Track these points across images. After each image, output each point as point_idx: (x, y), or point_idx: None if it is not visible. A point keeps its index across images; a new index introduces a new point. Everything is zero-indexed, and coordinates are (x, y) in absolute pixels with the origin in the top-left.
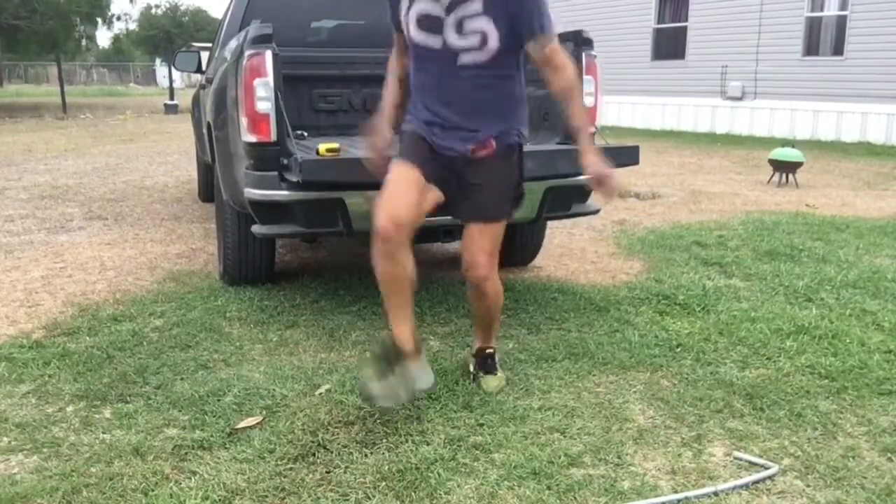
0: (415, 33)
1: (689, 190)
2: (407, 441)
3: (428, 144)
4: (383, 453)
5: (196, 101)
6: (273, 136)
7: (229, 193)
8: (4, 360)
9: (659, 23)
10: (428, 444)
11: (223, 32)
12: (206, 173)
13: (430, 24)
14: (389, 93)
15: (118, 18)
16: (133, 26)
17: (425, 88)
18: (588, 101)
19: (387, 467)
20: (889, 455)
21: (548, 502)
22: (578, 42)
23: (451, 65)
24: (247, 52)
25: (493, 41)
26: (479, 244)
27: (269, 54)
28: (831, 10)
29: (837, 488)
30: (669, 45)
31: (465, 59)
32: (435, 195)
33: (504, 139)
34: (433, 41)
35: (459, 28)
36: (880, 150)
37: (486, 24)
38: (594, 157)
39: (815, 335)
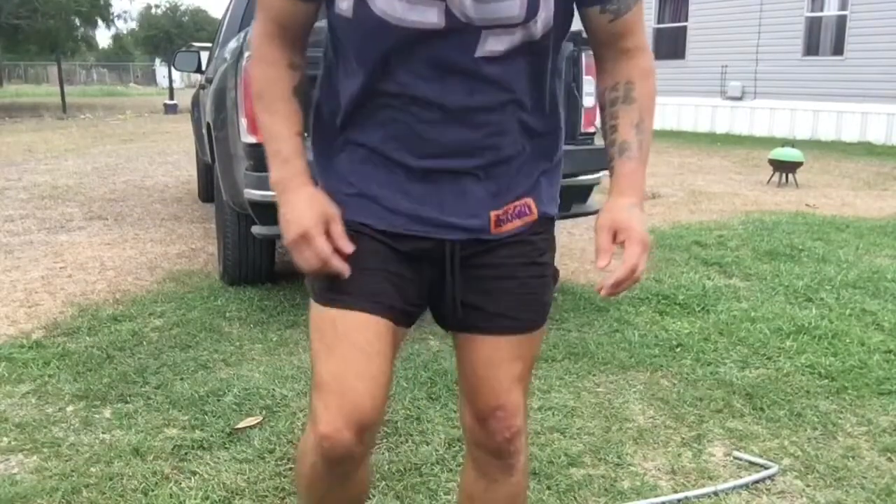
0: (388, 3)
1: (689, 190)
2: (407, 441)
3: (386, 242)
4: (383, 453)
5: (196, 101)
6: None
7: (229, 194)
8: (4, 360)
9: (659, 23)
10: (428, 444)
11: (223, 32)
12: (206, 173)
13: None
14: (287, 116)
15: (119, 17)
16: (133, 25)
17: (397, 116)
18: (588, 101)
19: (387, 467)
20: (889, 455)
21: (548, 502)
22: (578, 42)
23: (463, 59)
24: (246, 53)
25: (549, 5)
26: (509, 372)
27: None
28: (831, 10)
29: (837, 488)
30: (669, 45)
31: (491, 44)
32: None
33: (546, 203)
34: (425, 13)
35: None
36: (880, 150)
37: None
38: (626, 202)
39: (815, 335)
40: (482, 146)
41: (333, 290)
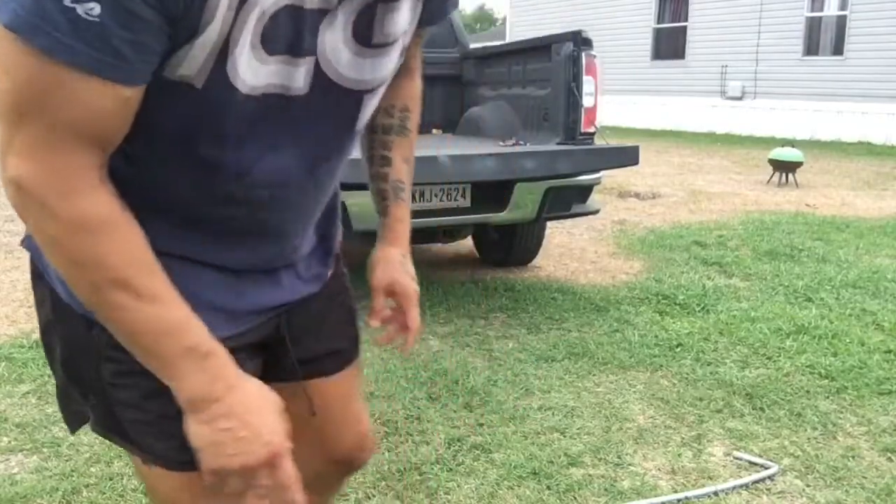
0: (250, 67)
1: (689, 190)
2: (407, 441)
3: (231, 347)
4: (383, 453)
5: None
6: None
7: None
8: (4, 360)
9: (659, 23)
10: (428, 444)
11: None
12: None
13: (291, 34)
14: (167, 282)
15: None
16: None
17: (234, 216)
18: (588, 101)
19: (387, 467)
20: (889, 455)
21: (548, 502)
22: (578, 42)
23: (338, 127)
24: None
25: (403, 47)
26: (358, 398)
27: None
28: (831, 10)
29: (837, 488)
30: (669, 45)
31: (371, 104)
32: None
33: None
34: (293, 76)
35: (368, 30)
36: (880, 150)
37: (408, 12)
38: (399, 254)
39: (815, 335)
40: (319, 215)
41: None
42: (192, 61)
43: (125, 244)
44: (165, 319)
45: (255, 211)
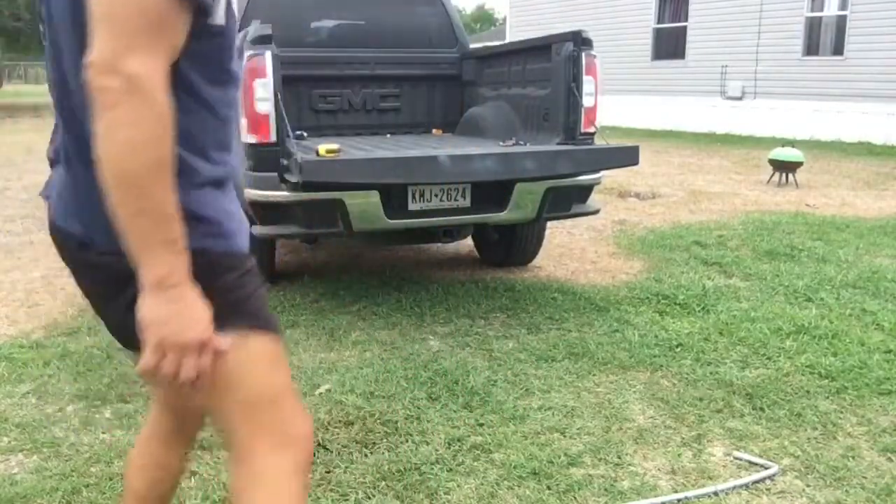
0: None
1: (689, 190)
2: (407, 441)
3: None
4: (383, 453)
5: None
6: (273, 137)
7: None
8: (4, 360)
9: (659, 23)
10: (428, 444)
11: None
12: None
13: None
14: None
15: None
16: None
17: (228, 136)
18: (588, 101)
19: (387, 467)
20: (889, 455)
21: (548, 502)
22: (578, 42)
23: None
24: (246, 53)
25: None
26: None
27: (268, 55)
28: (831, 10)
29: (837, 488)
30: (669, 44)
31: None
32: None
33: None
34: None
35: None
36: (880, 150)
37: None
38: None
39: (815, 335)
40: None
41: (268, 319)
42: (220, 7)
43: (171, 147)
44: (169, 210)
45: (235, 112)
